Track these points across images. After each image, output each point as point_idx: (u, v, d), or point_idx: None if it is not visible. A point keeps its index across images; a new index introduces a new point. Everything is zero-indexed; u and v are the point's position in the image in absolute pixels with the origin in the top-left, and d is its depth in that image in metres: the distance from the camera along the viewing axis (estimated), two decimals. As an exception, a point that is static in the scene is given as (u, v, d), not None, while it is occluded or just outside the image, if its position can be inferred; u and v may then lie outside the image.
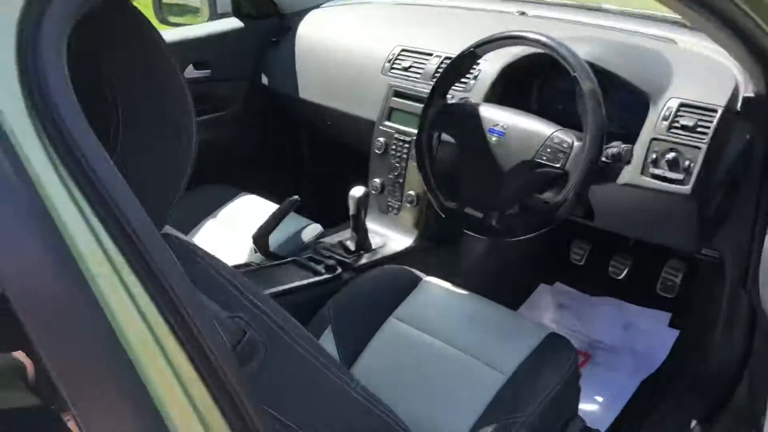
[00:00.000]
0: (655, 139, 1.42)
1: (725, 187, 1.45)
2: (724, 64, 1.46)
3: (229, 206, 2.03)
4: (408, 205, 1.82)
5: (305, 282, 1.57)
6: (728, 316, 1.66)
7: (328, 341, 1.42)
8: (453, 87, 1.62)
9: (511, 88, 1.70)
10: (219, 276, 0.85)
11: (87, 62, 0.73)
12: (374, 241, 1.80)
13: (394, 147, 1.84)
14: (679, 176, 1.39)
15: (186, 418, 0.59)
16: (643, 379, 1.82)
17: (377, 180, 1.89)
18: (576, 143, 1.33)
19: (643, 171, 1.43)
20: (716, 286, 1.70)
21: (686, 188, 1.38)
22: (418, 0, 2.28)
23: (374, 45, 1.98)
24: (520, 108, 1.68)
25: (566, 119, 1.70)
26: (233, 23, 2.26)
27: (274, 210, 1.69)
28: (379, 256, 1.74)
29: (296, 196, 1.68)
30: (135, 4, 0.82)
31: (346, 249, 1.74)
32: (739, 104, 1.41)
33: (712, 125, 1.37)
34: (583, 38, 1.65)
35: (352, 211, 1.69)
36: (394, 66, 1.89)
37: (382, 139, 1.86)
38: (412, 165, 1.77)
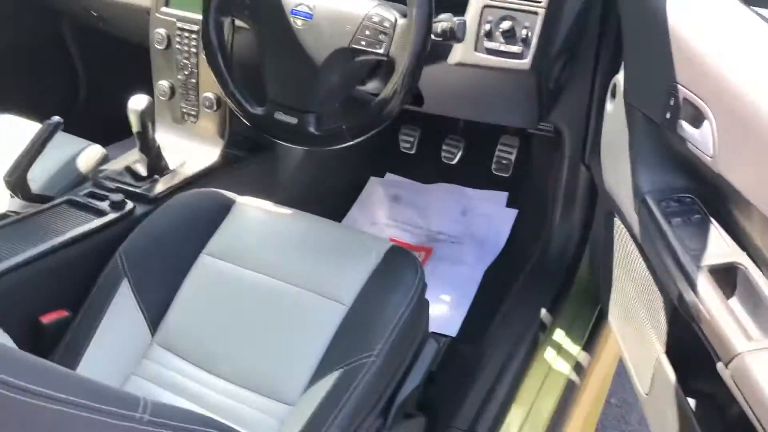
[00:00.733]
0: (487, 6, 1.21)
1: (563, 57, 1.29)
2: None
3: (-24, 134, 1.58)
4: (207, 110, 1.49)
5: (86, 228, 1.23)
6: (567, 191, 1.58)
7: (126, 299, 1.15)
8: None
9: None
10: None
11: None
12: (171, 160, 1.48)
13: (179, 40, 1.48)
14: (517, 49, 1.21)
15: None
16: (487, 267, 1.73)
17: (164, 83, 1.53)
18: (400, 21, 1.08)
19: (477, 46, 1.23)
20: (553, 161, 1.60)
21: (525, 62, 1.21)
22: None
23: None
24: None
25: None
26: None
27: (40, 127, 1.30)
28: (178, 179, 1.43)
29: (57, 117, 1.30)
30: None
31: (136, 175, 1.41)
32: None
33: (549, -15, 1.18)
34: None
35: (135, 127, 1.35)
36: (166, -70, 1.49)
37: (162, 31, 1.49)
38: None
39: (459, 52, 1.24)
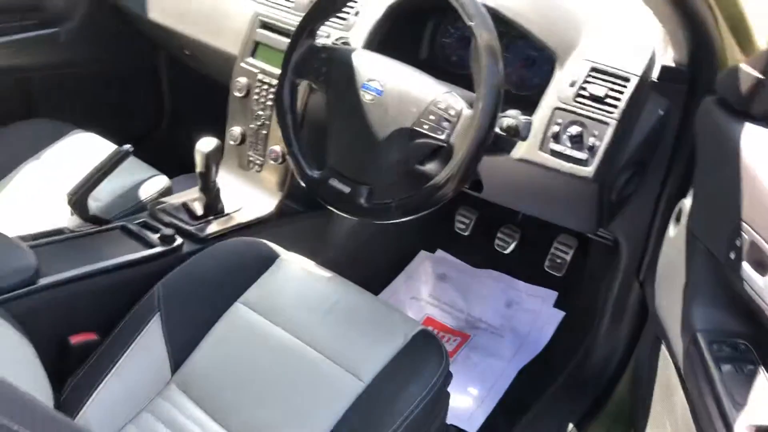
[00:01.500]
0: (558, 108, 1.21)
1: (630, 169, 1.26)
2: (643, 25, 1.25)
3: (57, 146, 1.66)
4: (272, 162, 1.53)
5: (132, 257, 1.26)
6: (617, 304, 1.52)
7: (154, 333, 1.16)
8: (328, 23, 1.33)
9: (398, 30, 1.43)
10: None
11: None
12: (228, 203, 1.51)
13: (257, 90, 1.53)
14: (582, 155, 1.19)
15: None
16: (522, 366, 1.67)
17: (237, 128, 1.58)
18: (465, 111, 1.08)
19: (542, 146, 1.22)
20: (608, 270, 1.54)
21: (589, 170, 1.18)
22: None
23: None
24: (407, 54, 1.42)
25: (461, 71, 1.46)
26: None
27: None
28: (231, 223, 1.45)
29: (128, 145, 1.35)
30: None
31: (192, 213, 1.44)
32: (655, 74, 1.21)
33: (624, 97, 1.17)
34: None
35: (199, 167, 1.39)
36: (263, -10, 1.56)
37: (243, 80, 1.55)
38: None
39: (523, 148, 1.23)
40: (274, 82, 1.49)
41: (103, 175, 1.32)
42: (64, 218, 1.38)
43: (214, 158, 1.38)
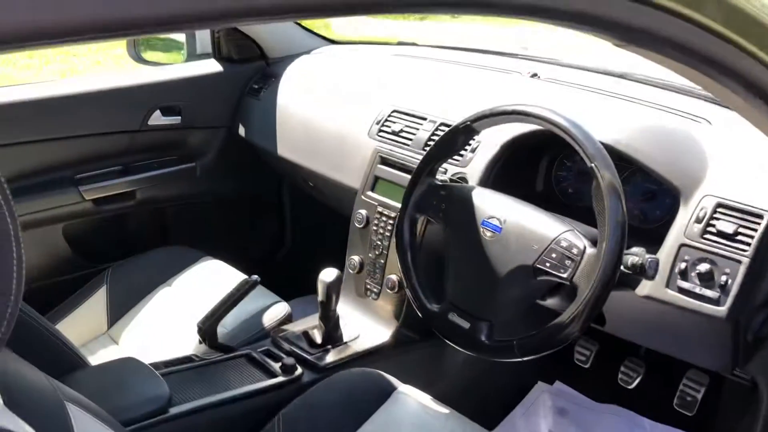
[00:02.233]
0: (685, 245, 1.17)
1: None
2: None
3: (187, 273, 1.77)
4: (389, 291, 1.56)
5: (256, 387, 1.31)
6: (760, 451, 1.38)
7: (274, 465, 1.16)
8: (445, 162, 1.38)
9: (514, 165, 1.46)
10: None
11: None
12: (347, 330, 1.54)
13: (376, 222, 1.59)
14: (713, 294, 1.13)
15: None
16: None
17: (355, 257, 1.63)
18: (588, 250, 1.07)
19: (669, 283, 1.18)
20: (746, 412, 1.42)
21: (721, 310, 1.12)
22: (417, 52, 2.06)
23: (363, 102, 1.74)
24: (523, 187, 1.44)
25: (578, 204, 1.46)
26: (211, 66, 2.04)
27: (240, 281, 1.44)
28: (349, 352, 1.48)
29: (255, 276, 1.42)
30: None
31: (311, 341, 1.48)
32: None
33: (757, 234, 1.12)
34: (601, 114, 1.40)
35: (320, 297, 1.44)
36: (383, 128, 1.65)
37: (363, 212, 1.61)
38: (396, 244, 1.51)
39: (650, 285, 1.19)
40: (393, 214, 1.54)
41: (231, 305, 1.39)
42: (193, 345, 1.45)
43: (335, 288, 1.43)
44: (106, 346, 1.64)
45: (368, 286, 1.61)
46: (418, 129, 1.58)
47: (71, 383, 1.09)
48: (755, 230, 1.12)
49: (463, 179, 1.45)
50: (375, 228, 1.59)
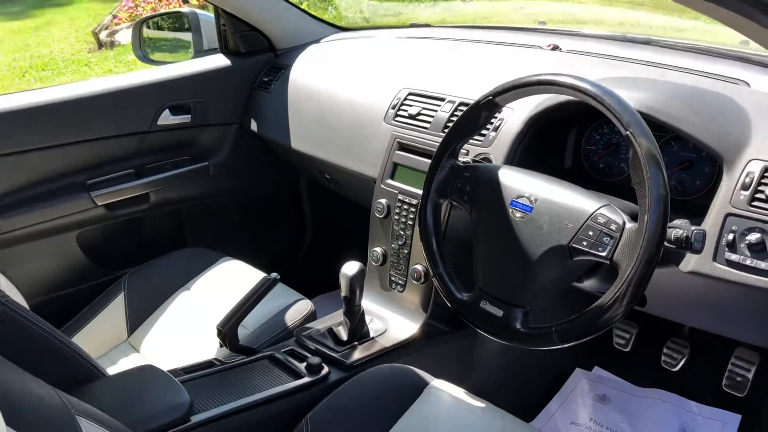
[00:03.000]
0: (731, 214, 1.08)
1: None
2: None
3: (207, 275, 1.72)
4: (414, 282, 1.48)
5: (281, 389, 1.24)
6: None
7: (304, 471, 1.10)
8: (467, 142, 1.30)
9: (540, 142, 1.38)
10: None
11: None
12: (373, 326, 1.47)
13: (398, 210, 1.51)
14: (766, 265, 1.04)
15: None
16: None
17: (378, 249, 1.56)
18: (628, 225, 0.99)
19: (716, 256, 1.09)
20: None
21: (776, 281, 1.04)
22: (430, 33, 1.98)
23: (377, 87, 1.67)
24: (551, 165, 1.36)
25: (610, 179, 1.38)
26: (219, 61, 1.98)
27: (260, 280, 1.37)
28: (376, 348, 1.41)
29: (275, 274, 1.36)
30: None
31: (337, 338, 1.41)
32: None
33: (812, 198, 1.03)
34: (632, 81, 1.32)
35: (344, 292, 1.37)
36: (400, 113, 1.58)
37: (383, 201, 1.54)
38: (420, 233, 1.44)
39: (695, 260, 1.11)
40: (414, 201, 1.47)
41: (251, 305, 1.33)
42: (215, 349, 1.39)
43: (359, 282, 1.36)
44: (127, 355, 1.59)
45: (393, 278, 1.54)
46: (436, 111, 1.50)
47: (87, 395, 1.04)
48: (809, 193, 1.03)
49: (487, 160, 1.37)
50: (397, 217, 1.52)
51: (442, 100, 1.51)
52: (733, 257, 1.07)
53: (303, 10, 2.06)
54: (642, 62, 1.49)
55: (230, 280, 1.67)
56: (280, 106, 1.88)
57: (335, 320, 1.47)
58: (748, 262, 1.06)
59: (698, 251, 0.98)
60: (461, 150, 1.27)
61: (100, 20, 6.96)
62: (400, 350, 1.44)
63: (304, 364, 1.31)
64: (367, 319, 1.47)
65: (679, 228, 0.98)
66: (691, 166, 1.27)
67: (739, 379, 1.54)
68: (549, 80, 1.07)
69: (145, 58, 2.07)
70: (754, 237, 1.05)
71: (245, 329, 1.50)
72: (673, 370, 1.63)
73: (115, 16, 6.82)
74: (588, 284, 1.15)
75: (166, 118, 1.86)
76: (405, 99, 1.58)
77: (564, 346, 1.04)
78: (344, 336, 1.41)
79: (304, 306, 1.56)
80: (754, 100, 1.21)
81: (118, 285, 1.69)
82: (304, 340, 1.41)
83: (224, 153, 2.01)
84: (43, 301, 1.75)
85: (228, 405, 1.17)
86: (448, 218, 1.42)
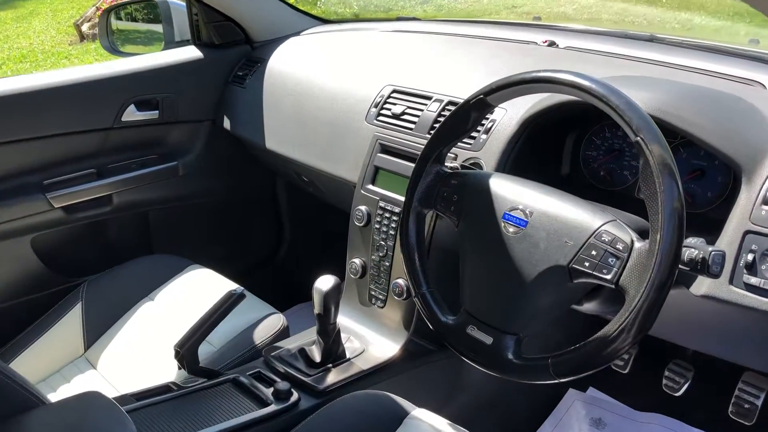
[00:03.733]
0: (751, 231, 0.96)
1: None
2: None
3: (171, 285, 1.58)
4: (396, 297, 1.36)
5: (244, 419, 1.11)
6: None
7: None
8: (455, 146, 1.18)
9: (535, 146, 1.25)
10: None
11: None
12: (350, 345, 1.35)
13: (378, 219, 1.38)
14: (790, 290, 0.92)
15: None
16: None
17: (357, 260, 1.43)
18: (637, 244, 0.87)
19: (733, 279, 0.97)
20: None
21: (800, 308, 0.92)
22: (418, 27, 1.85)
23: (359, 84, 1.54)
24: (547, 172, 1.24)
25: (612, 189, 1.25)
26: (190, 53, 1.84)
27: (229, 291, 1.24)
28: (352, 371, 1.28)
29: (239, 287, 1.23)
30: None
31: (309, 360, 1.28)
32: None
33: (843, 216, 0.91)
34: (638, 80, 1.19)
35: (317, 309, 1.24)
36: (383, 112, 1.45)
37: (363, 208, 1.41)
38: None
39: (708, 283, 0.99)
40: (397, 209, 1.34)
41: (212, 324, 1.20)
42: (175, 370, 1.26)
43: (334, 298, 1.23)
44: (82, 372, 1.46)
45: (373, 293, 1.41)
46: (422, 110, 1.38)
47: (20, 428, 0.91)
48: (841, 211, 0.91)
49: (477, 165, 1.25)
50: (378, 226, 1.39)
51: (429, 98, 1.38)
52: (753, 280, 0.95)
53: (283, 1, 1.92)
54: (646, 61, 1.37)
55: (198, 290, 1.53)
56: (255, 102, 1.74)
57: (309, 338, 1.34)
58: (769, 286, 0.94)
59: (716, 275, 0.85)
60: (449, 154, 1.15)
61: (83, 12, 6.79)
62: (380, 373, 1.31)
63: (272, 389, 1.18)
64: (344, 337, 1.35)
65: (694, 248, 0.85)
66: (702, 175, 1.15)
67: (747, 406, 1.42)
68: (548, 77, 0.94)
69: (113, 49, 1.93)
70: (776, 258, 0.93)
71: (211, 346, 1.37)
72: (675, 395, 1.51)
73: (98, 8, 6.65)
74: (589, 307, 1.02)
75: (132, 114, 1.72)
76: (389, 97, 1.45)
77: (561, 381, 0.91)
78: (317, 357, 1.28)
79: (276, 321, 1.43)
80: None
81: (76, 294, 1.55)
82: (272, 361, 1.28)
83: (195, 152, 1.87)
84: None
85: (181, 439, 1.04)
86: (434, 228, 1.30)
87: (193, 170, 1.86)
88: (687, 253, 0.85)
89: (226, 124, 1.83)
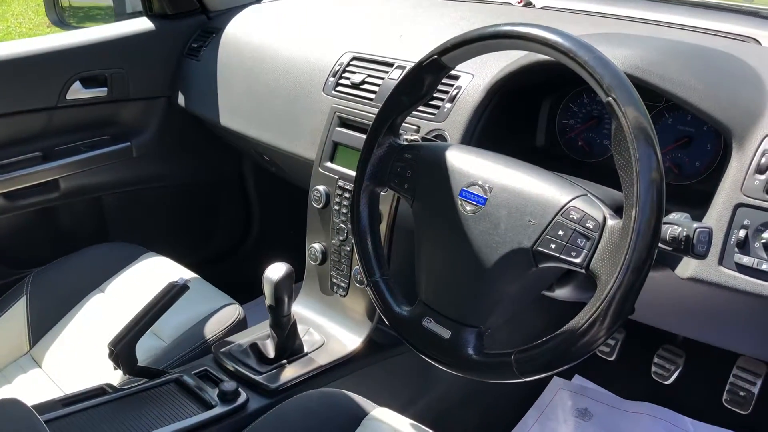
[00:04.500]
0: (743, 204, 0.84)
1: None
2: None
3: (124, 275, 1.46)
4: (358, 285, 1.24)
5: (183, 425, 1.00)
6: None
7: None
8: (413, 115, 1.05)
9: (506, 115, 1.13)
10: None
11: None
12: (309, 338, 1.23)
13: (338, 199, 1.27)
14: (786, 270, 0.81)
15: None
16: None
17: (317, 246, 1.31)
18: (610, 222, 0.75)
19: (723, 259, 0.86)
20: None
21: (798, 290, 0.80)
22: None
23: (317, 52, 1.41)
24: (520, 144, 1.12)
25: (591, 160, 1.13)
26: (141, 24, 1.70)
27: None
28: (310, 368, 1.17)
29: (183, 278, 1.11)
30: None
31: (262, 356, 1.17)
32: None
33: None
34: (618, 36, 1.07)
35: (268, 300, 1.13)
36: (341, 81, 1.32)
37: (321, 188, 1.29)
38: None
39: (694, 264, 0.87)
40: (358, 188, 1.22)
41: (152, 318, 1.08)
42: (107, 371, 1.15)
43: (286, 288, 1.12)
44: (26, 371, 1.35)
45: (334, 280, 1.29)
46: (383, 78, 1.25)
47: None
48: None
49: (441, 137, 1.13)
50: (337, 207, 1.27)
51: (391, 65, 1.26)
52: (745, 260, 0.84)
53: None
54: (630, 19, 1.25)
55: (153, 280, 1.42)
56: (210, 76, 1.62)
57: (261, 333, 1.23)
58: (764, 266, 0.82)
59: (702, 255, 0.74)
60: (411, 127, 1.03)
61: (64, -6, 6.62)
62: (340, 368, 1.20)
63: (217, 390, 1.07)
64: (302, 330, 1.24)
65: (676, 225, 0.74)
66: (689, 142, 1.03)
67: (742, 393, 1.31)
68: (507, 32, 0.81)
69: (61, 23, 1.80)
70: (772, 234, 0.82)
71: (160, 341, 1.26)
72: (665, 383, 1.40)
73: (78, -10, 6.47)
74: (563, 293, 0.91)
75: (77, 92, 1.59)
76: (348, 65, 1.33)
77: (525, 379, 0.80)
78: (270, 353, 1.17)
79: (232, 312, 1.32)
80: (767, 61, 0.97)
81: (20, 287, 1.43)
82: (221, 358, 1.17)
83: (149, 132, 1.74)
84: None
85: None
86: (397, 207, 1.18)
87: (149, 151, 1.74)
88: (669, 231, 0.73)
89: (181, 100, 1.71)
